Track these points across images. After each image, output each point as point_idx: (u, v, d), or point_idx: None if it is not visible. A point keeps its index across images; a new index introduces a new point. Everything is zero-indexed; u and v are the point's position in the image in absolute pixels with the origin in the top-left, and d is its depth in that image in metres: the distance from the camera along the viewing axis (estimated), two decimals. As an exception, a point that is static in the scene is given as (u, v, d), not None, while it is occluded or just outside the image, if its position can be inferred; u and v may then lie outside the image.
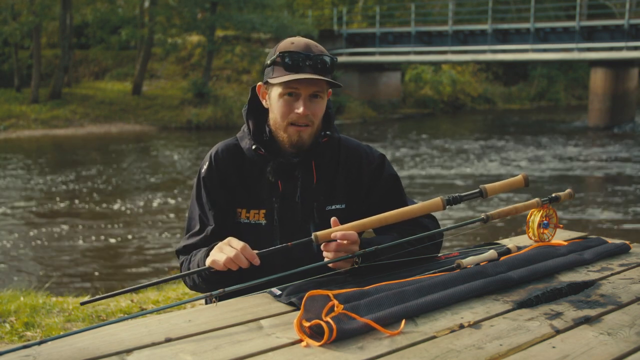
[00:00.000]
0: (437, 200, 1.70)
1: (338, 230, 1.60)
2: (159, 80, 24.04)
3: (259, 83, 1.85)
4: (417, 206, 1.70)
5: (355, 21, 27.81)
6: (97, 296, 1.54)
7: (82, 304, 1.56)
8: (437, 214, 1.88)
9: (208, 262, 1.61)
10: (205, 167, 1.86)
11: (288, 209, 1.82)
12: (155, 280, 1.62)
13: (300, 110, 1.73)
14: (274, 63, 1.76)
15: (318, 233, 1.60)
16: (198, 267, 1.73)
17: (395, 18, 26.93)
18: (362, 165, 1.89)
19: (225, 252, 1.57)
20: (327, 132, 1.84)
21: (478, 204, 9.77)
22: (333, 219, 1.65)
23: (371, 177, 1.89)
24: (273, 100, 1.79)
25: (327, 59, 1.75)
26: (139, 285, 1.60)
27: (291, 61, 1.72)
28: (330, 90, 1.84)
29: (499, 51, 21.57)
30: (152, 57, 23.92)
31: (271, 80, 1.76)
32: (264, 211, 1.82)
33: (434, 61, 24.64)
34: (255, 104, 1.88)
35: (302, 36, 1.84)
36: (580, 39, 20.15)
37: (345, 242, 1.61)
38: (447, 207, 1.71)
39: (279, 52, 1.74)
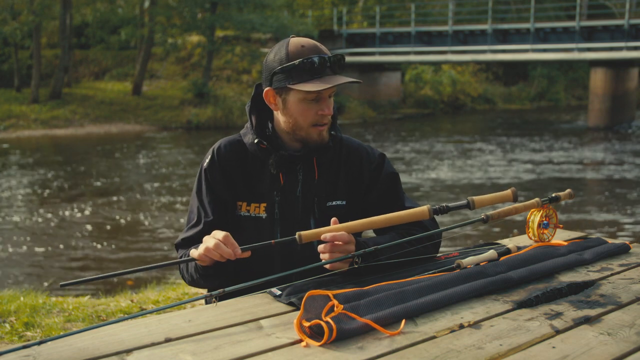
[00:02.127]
0: (423, 209, 1.71)
1: (327, 232, 1.61)
2: (159, 80, 24.03)
3: (267, 88, 1.80)
4: (404, 213, 1.71)
5: (355, 21, 27.82)
6: (78, 279, 1.53)
7: (62, 285, 1.54)
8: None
9: (191, 253, 1.62)
10: (207, 160, 1.88)
11: (289, 203, 1.83)
12: (141, 267, 1.61)
13: (326, 111, 1.77)
14: (293, 68, 1.72)
15: (302, 233, 1.60)
16: (195, 269, 1.74)
17: (395, 18, 26.94)
18: (362, 164, 1.91)
19: (207, 242, 1.58)
20: (332, 131, 1.87)
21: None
22: (333, 219, 1.66)
23: (371, 176, 1.91)
24: (292, 104, 1.77)
25: (341, 58, 1.79)
26: (126, 270, 1.57)
27: (315, 66, 1.72)
28: None
29: (499, 51, 21.57)
30: (152, 57, 23.92)
31: (299, 87, 1.72)
32: (264, 205, 1.83)
33: (434, 61, 24.64)
34: (258, 100, 1.89)
35: (302, 36, 1.84)
36: (580, 39, 20.15)
37: (339, 242, 1.61)
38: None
39: (301, 59, 1.71)
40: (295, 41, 1.77)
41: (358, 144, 1.95)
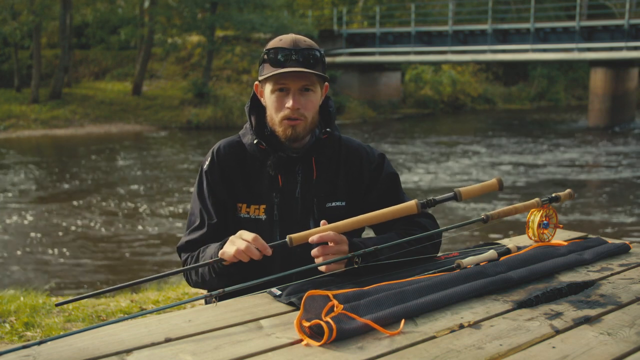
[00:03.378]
0: (411, 203, 1.71)
1: (315, 234, 1.59)
2: (159, 80, 24.03)
3: (256, 82, 1.88)
4: (391, 209, 1.70)
5: (355, 21, 27.81)
6: (76, 296, 1.53)
7: (57, 305, 1.55)
8: (437, 214, 1.88)
9: (220, 254, 1.61)
10: (207, 162, 1.88)
11: (288, 204, 1.83)
12: (153, 275, 1.61)
13: (290, 104, 1.76)
14: (262, 61, 1.81)
15: (293, 235, 1.59)
16: (212, 267, 1.73)
17: (395, 18, 26.93)
18: (362, 164, 1.91)
19: (236, 244, 1.58)
20: (327, 129, 1.86)
21: (478, 203, 9.76)
22: (322, 221, 1.66)
23: (371, 176, 1.91)
24: (266, 96, 1.82)
25: (314, 52, 1.77)
26: (134, 281, 1.58)
27: (277, 57, 1.75)
28: (326, 84, 1.86)
29: (499, 51, 21.56)
30: (152, 57, 23.91)
31: (260, 78, 1.81)
32: (264, 206, 1.83)
33: (434, 61, 24.63)
34: (257, 100, 1.91)
35: (303, 36, 1.85)
36: (580, 39, 20.14)
37: (331, 244, 1.61)
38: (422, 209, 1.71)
39: (265, 50, 1.79)
40: (279, 36, 1.82)
41: (358, 144, 1.95)
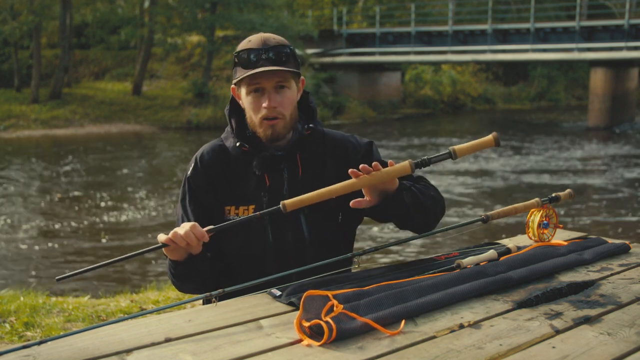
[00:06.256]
0: (405, 164, 1.69)
1: (310, 198, 1.62)
2: (159, 80, 24.02)
3: (232, 85, 1.88)
4: (386, 170, 1.67)
5: (355, 21, 27.80)
6: (74, 271, 1.54)
7: (58, 279, 1.55)
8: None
9: (158, 237, 1.63)
10: (190, 168, 1.89)
11: (276, 202, 1.82)
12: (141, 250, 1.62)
13: (266, 103, 1.76)
14: (234, 64, 1.81)
15: (286, 202, 1.61)
16: (169, 267, 1.76)
17: (395, 18, 26.93)
18: (349, 154, 1.90)
19: (175, 230, 1.61)
20: (310, 125, 1.86)
21: (478, 203, 9.77)
22: (351, 170, 1.66)
23: (361, 164, 1.90)
24: (243, 99, 1.83)
25: (284, 49, 1.77)
26: (113, 259, 1.60)
27: (247, 58, 1.76)
28: (302, 78, 1.87)
29: (499, 51, 21.56)
30: (152, 57, 23.91)
31: (234, 81, 1.82)
32: (253, 206, 1.83)
33: (434, 61, 24.62)
34: (236, 103, 1.91)
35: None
36: (580, 39, 20.13)
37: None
38: (416, 169, 1.71)
39: (235, 53, 1.80)
40: (249, 37, 1.82)
41: (342, 135, 1.95)
